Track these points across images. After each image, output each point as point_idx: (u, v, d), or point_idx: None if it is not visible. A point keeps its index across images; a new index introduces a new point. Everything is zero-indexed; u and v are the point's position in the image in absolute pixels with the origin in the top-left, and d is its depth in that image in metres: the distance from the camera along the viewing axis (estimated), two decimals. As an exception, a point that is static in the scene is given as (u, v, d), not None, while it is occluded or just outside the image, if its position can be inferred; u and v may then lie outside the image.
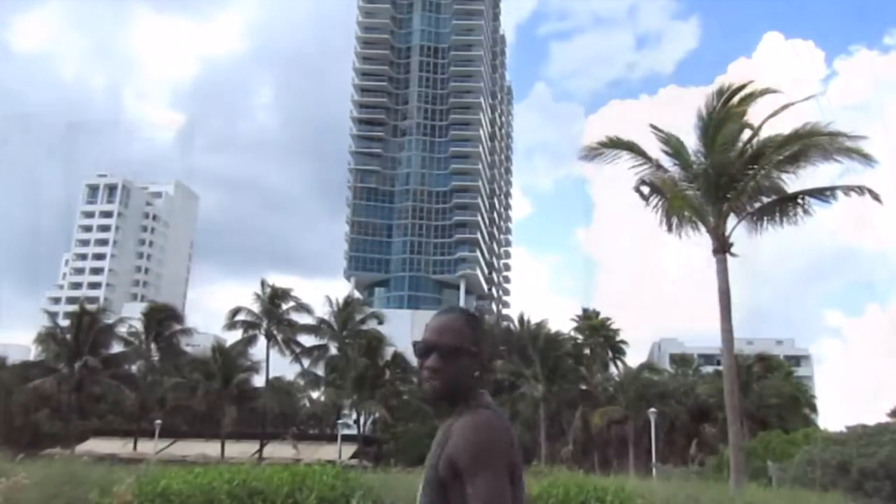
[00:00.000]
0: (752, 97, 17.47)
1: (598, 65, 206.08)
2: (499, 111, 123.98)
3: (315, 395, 53.71)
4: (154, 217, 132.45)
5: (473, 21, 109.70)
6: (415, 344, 2.04)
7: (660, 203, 18.44)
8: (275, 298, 46.07)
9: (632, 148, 18.06)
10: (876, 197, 16.71)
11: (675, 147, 18.15)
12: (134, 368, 47.49)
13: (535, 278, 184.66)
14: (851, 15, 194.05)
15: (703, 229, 17.92)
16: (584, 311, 58.18)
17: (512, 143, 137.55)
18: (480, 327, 2.08)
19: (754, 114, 17.83)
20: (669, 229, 18.55)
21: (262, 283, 46.43)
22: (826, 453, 20.03)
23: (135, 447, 41.44)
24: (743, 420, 27.93)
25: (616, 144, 18.11)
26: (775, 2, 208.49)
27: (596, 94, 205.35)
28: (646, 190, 18.50)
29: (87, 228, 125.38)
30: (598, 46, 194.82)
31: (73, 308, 50.19)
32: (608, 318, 57.00)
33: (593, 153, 18.19)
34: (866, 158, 16.39)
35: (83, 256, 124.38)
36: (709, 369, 56.85)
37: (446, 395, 1.99)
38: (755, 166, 17.28)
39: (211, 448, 41.01)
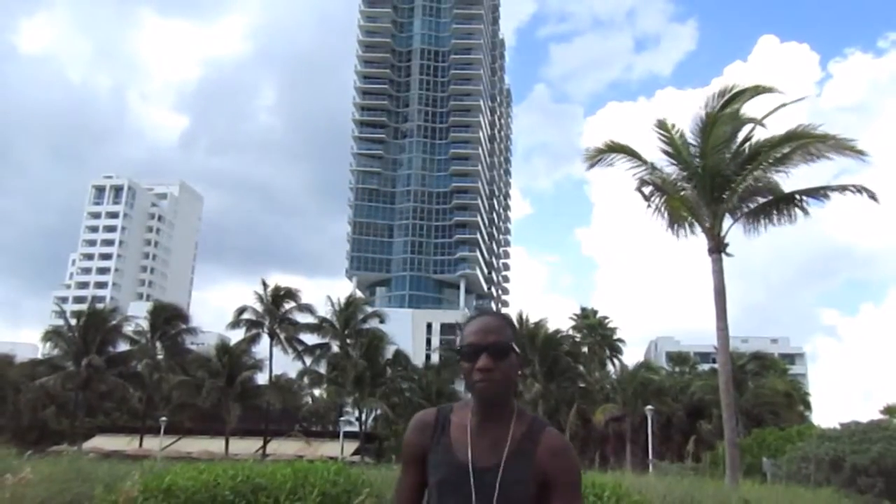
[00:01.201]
0: (746, 94, 17.44)
1: (597, 67, 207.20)
2: (498, 114, 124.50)
3: (317, 392, 54.22)
4: (159, 218, 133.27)
5: (473, 25, 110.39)
6: (461, 348, 2.01)
7: (660, 203, 18.44)
8: (277, 298, 46.50)
9: (629, 152, 18.13)
10: (873, 196, 16.64)
11: (676, 146, 18.14)
12: (140, 367, 47.61)
13: (533, 278, 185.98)
14: (846, 19, 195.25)
15: (698, 229, 17.98)
16: (582, 309, 58.70)
17: (511, 145, 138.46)
18: (515, 328, 2.09)
19: (749, 115, 17.81)
20: (668, 229, 18.59)
21: (263, 284, 46.85)
22: (820, 450, 19.69)
23: (140, 444, 41.81)
24: (738, 417, 27.81)
25: (614, 149, 18.18)
26: (771, 5, 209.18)
27: (595, 95, 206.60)
28: (647, 190, 18.50)
29: (94, 229, 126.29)
30: (597, 49, 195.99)
31: (81, 307, 50.66)
32: (606, 317, 57.70)
33: (594, 159, 18.21)
34: (858, 153, 16.34)
35: (90, 256, 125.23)
36: (705, 367, 56.55)
37: (501, 394, 1.97)
38: (749, 167, 17.23)
39: (215, 445, 41.39)
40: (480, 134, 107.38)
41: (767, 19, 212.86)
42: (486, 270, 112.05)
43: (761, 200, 17.92)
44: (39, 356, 56.33)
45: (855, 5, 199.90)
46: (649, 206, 18.48)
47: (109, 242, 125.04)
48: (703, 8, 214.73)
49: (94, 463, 10.14)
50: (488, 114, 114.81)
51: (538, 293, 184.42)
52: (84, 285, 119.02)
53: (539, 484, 1.90)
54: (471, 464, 1.93)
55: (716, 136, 17.30)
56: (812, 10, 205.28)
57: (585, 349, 55.88)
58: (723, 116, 17.38)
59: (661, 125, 18.27)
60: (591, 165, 18.35)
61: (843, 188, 17.27)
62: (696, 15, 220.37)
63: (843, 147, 16.40)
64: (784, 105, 17.22)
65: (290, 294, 47.20)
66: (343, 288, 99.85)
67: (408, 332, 76.75)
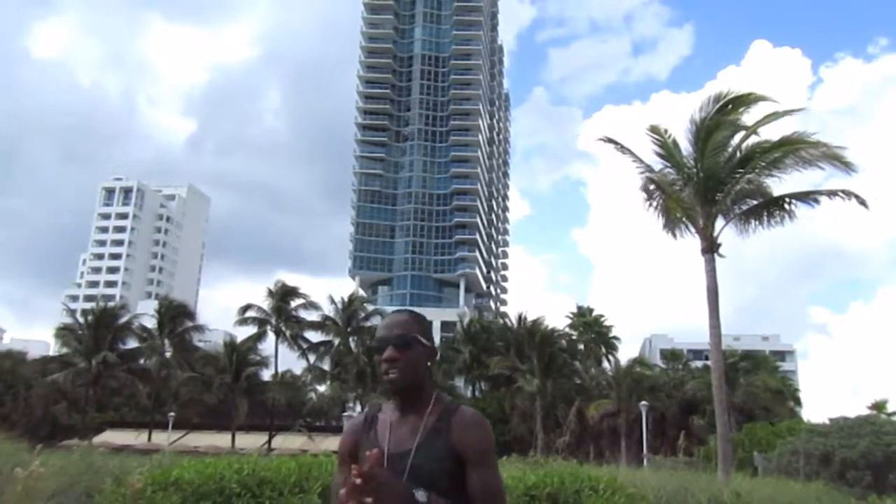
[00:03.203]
0: (742, 102, 17.75)
1: (595, 70, 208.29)
2: (497, 117, 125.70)
3: (321, 388, 55.28)
4: (167, 219, 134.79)
5: (472, 31, 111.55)
6: (372, 344, 2.17)
7: (660, 202, 18.82)
8: (283, 296, 47.53)
9: (629, 152, 18.75)
10: (862, 202, 16.79)
11: (668, 150, 18.56)
12: (148, 363, 48.10)
13: (531, 276, 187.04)
14: (837, 25, 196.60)
15: (692, 230, 18.38)
16: (579, 308, 58.90)
17: (510, 147, 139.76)
18: (426, 323, 2.21)
19: (745, 123, 18.13)
20: (666, 228, 19.06)
21: (276, 283, 47.95)
22: (809, 444, 20.28)
23: (149, 438, 42.24)
24: (730, 412, 27.89)
25: (618, 146, 18.84)
26: (764, 11, 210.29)
27: (593, 98, 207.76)
28: (651, 188, 18.79)
29: (104, 230, 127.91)
30: (594, 52, 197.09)
31: (91, 306, 51.58)
32: (601, 315, 57.94)
33: (609, 141, 18.83)
34: (847, 166, 16.65)
35: (100, 256, 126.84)
36: (698, 364, 56.84)
37: (406, 382, 2.09)
38: (742, 170, 17.64)
39: (221, 439, 41.69)
40: (480, 137, 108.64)
41: (761, 25, 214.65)
42: (485, 270, 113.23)
43: (753, 203, 18.36)
44: (51, 353, 57.25)
45: (846, 12, 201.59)
46: (651, 204, 18.96)
47: (119, 243, 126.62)
48: (700, 12, 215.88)
49: (104, 457, 10.17)
50: (487, 117, 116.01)
51: (536, 291, 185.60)
52: (94, 284, 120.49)
53: (456, 459, 2.01)
54: (386, 450, 2.04)
55: (712, 142, 17.66)
56: (804, 16, 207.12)
57: (582, 346, 56.27)
58: (720, 123, 17.74)
59: (654, 130, 18.82)
60: (608, 141, 18.85)
61: (832, 193, 17.44)
62: (693, 20, 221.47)
63: (833, 157, 16.81)
64: (777, 114, 17.79)
65: (296, 292, 48.36)
66: (346, 287, 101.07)
67: (409, 330, 77.66)
